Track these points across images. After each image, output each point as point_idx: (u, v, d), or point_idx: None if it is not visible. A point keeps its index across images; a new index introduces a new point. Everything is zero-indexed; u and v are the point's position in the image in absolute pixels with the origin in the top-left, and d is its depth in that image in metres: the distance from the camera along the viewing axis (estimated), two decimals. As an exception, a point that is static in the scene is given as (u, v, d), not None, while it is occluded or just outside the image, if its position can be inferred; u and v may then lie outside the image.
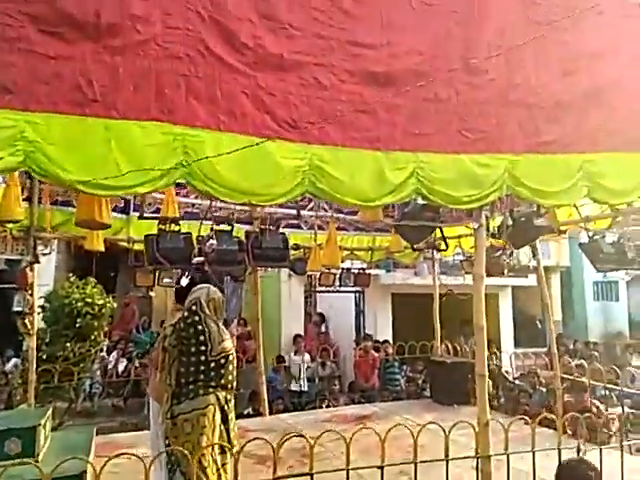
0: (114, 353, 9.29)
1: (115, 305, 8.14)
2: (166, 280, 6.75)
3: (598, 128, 3.75)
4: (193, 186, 2.73)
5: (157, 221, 4.01)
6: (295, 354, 9.44)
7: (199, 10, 2.77)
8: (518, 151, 3.61)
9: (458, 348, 8.43)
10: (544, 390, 7.68)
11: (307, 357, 9.46)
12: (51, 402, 6.64)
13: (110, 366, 8.98)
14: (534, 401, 7.62)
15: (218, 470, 3.40)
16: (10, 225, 5.13)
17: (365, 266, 8.72)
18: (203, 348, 3.37)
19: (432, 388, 8.25)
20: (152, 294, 9.63)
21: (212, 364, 3.39)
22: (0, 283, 8.61)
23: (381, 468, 3.15)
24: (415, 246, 5.30)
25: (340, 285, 8.15)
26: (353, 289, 10.68)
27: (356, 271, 8.21)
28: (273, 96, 2.91)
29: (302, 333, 10.12)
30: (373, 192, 3.14)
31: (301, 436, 3.42)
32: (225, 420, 3.50)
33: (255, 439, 3.40)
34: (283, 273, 9.96)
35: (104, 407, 8.50)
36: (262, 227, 3.95)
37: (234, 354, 3.56)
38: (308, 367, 9.43)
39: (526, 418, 3.98)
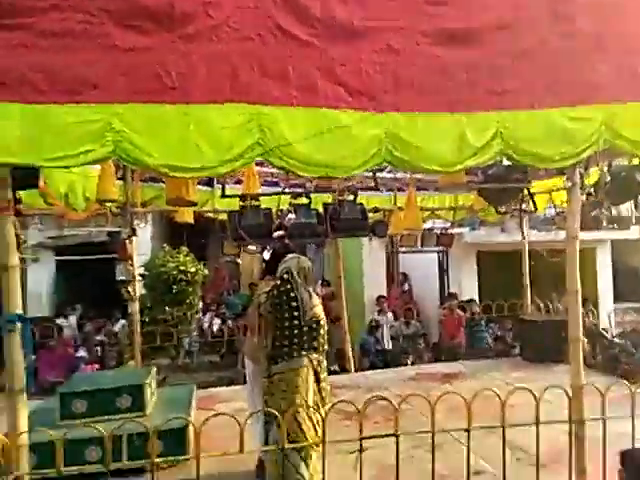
0: (208, 314, 9.94)
1: (206, 272, 8.63)
2: (251, 248, 7.02)
3: None
4: (270, 162, 2.77)
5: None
6: (378, 314, 9.55)
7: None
8: (616, 100, 3.28)
9: (550, 306, 8.10)
10: (649, 349, 7.22)
11: (390, 316, 9.53)
12: (154, 359, 7.27)
13: (205, 326, 9.62)
14: (637, 360, 7.20)
15: (314, 426, 3.61)
16: (108, 204, 5.53)
17: (448, 225, 8.50)
18: (296, 314, 3.61)
19: (522, 347, 8.05)
20: (239, 261, 10.07)
21: (305, 328, 3.64)
22: (104, 253, 9.35)
23: (467, 431, 3.16)
24: (500, 209, 5.05)
25: (422, 245, 8.02)
26: (436, 249, 10.51)
27: (438, 231, 8.02)
28: (344, 66, 2.83)
29: (384, 294, 10.17)
30: (454, 156, 3.01)
31: (385, 399, 3.50)
32: (318, 380, 3.74)
33: (341, 401, 3.55)
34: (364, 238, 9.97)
35: (202, 363, 9.16)
36: (340, 199, 3.95)
37: (324, 319, 3.79)
38: (392, 326, 9.51)
39: (624, 380, 3.79)
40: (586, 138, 3.21)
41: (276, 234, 3.97)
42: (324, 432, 3.18)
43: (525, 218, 8.07)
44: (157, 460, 3.05)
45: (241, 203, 3.99)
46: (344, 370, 7.56)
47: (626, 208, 6.74)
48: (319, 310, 3.74)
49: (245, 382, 4.46)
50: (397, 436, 3.17)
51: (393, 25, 2.89)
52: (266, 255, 3.74)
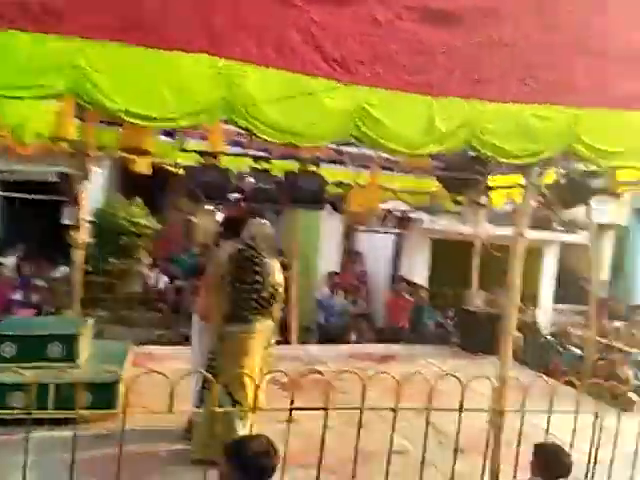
0: (155, 270, 9.70)
1: (159, 226, 8.41)
2: (208, 207, 6.89)
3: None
4: (234, 122, 2.68)
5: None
6: (330, 290, 9.62)
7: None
8: (584, 104, 3.34)
9: (493, 299, 8.39)
10: (576, 350, 7.61)
11: (341, 294, 9.62)
12: (93, 309, 7.07)
13: (151, 282, 9.39)
14: (564, 359, 7.59)
15: (255, 391, 3.67)
16: (62, 143, 5.25)
17: (408, 209, 8.57)
18: (258, 278, 3.65)
19: (461, 336, 8.32)
20: (194, 219, 9.87)
21: (264, 293, 3.69)
22: (53, 194, 8.92)
23: (394, 410, 3.24)
24: (457, 199, 5.15)
25: (382, 225, 8.08)
26: (394, 230, 10.62)
27: (399, 214, 8.09)
28: (324, 31, 2.74)
29: (337, 270, 10.24)
30: (420, 139, 3.01)
31: (319, 373, 3.54)
32: (266, 347, 3.82)
33: (279, 371, 3.57)
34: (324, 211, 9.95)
35: (142, 319, 8.98)
36: (300, 169, 3.90)
37: (282, 286, 3.79)
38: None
39: (544, 377, 3.98)
40: (550, 138, 3.27)
41: (233, 196, 3.92)
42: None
43: (483, 211, 8.24)
44: (84, 412, 2.96)
45: (201, 160, 3.87)
46: (286, 342, 7.60)
47: (582, 213, 6.96)
48: (280, 278, 3.80)
49: (184, 343, 4.43)
50: (326, 410, 3.20)
51: (377, -5, 2.81)
52: (219, 217, 3.67)
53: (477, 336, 7.75)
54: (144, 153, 4.13)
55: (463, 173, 3.81)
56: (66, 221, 6.14)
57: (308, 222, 8.99)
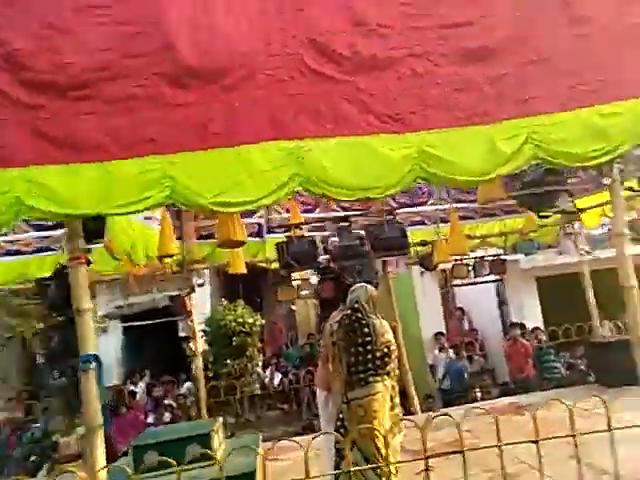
0: (269, 369, 9.98)
1: (263, 322, 8.80)
2: (304, 292, 7.18)
3: None
4: (310, 191, 2.95)
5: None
6: (440, 351, 9.31)
7: (295, 34, 3.02)
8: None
9: (621, 325, 7.69)
10: None
11: (451, 353, 9.26)
12: (220, 415, 7.35)
13: (267, 380, 9.65)
14: None
15: (386, 447, 3.62)
16: (167, 260, 5.87)
17: (500, 252, 8.36)
18: (368, 339, 3.73)
19: (595, 371, 7.60)
20: (294, 307, 10.20)
21: (377, 353, 3.73)
22: (166, 316, 9.73)
23: (536, 442, 3.05)
24: (542, 214, 5.02)
25: (475, 275, 7.90)
26: (492, 279, 10.27)
27: (490, 258, 7.90)
28: (372, 96, 3.04)
29: (443, 330, 9.95)
30: (486, 165, 3.10)
31: (448, 415, 3.44)
32: (392, 407, 3.78)
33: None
34: (415, 272, 9.92)
35: (267, 417, 9.13)
36: (379, 219, 4.08)
37: (394, 344, 3.89)
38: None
39: None
40: (620, 133, 3.23)
41: (321, 258, 4.11)
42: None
43: (581, 236, 7.84)
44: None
45: (287, 234, 4.18)
46: (409, 412, 7.34)
47: None
48: (390, 336, 3.84)
49: (307, 432, 4.52)
50: (462, 452, 3.09)
51: (414, 52, 3.10)
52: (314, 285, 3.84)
53: (614, 367, 7.04)
54: (238, 244, 4.52)
55: (538, 188, 3.79)
56: (183, 334, 6.65)
57: (401, 288, 8.98)
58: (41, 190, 2.66)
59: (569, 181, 4.08)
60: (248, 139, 2.91)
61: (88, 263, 2.97)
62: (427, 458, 3.12)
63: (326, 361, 4.06)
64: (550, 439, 3.38)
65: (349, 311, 3.83)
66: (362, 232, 4.14)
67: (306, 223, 4.60)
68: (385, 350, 3.78)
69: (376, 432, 3.50)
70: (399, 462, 3.25)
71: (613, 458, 3.10)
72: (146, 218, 5.06)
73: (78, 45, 2.73)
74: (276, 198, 2.95)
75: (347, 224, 4.19)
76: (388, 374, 3.81)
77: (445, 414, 3.27)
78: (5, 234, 5.91)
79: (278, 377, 9.85)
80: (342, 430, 3.62)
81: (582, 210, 6.60)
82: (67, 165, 2.70)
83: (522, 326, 9.27)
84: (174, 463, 3.08)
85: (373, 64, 3.08)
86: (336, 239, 3.95)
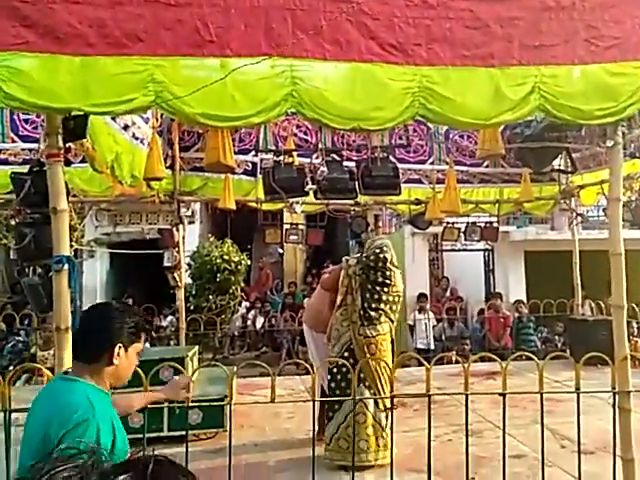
0: (252, 311, 10.09)
1: (249, 262, 8.79)
2: (292, 237, 7.13)
3: None
4: (303, 114, 2.83)
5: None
6: (419, 312, 9.38)
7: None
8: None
9: (603, 306, 7.74)
10: None
11: (432, 315, 9.35)
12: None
13: (249, 322, 9.77)
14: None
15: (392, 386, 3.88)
16: (156, 187, 5.78)
17: (493, 220, 8.30)
18: (388, 282, 3.92)
19: (572, 348, 7.69)
20: (280, 250, 10.16)
21: (390, 298, 3.94)
22: (154, 249, 9.68)
23: (503, 395, 3.07)
24: (540, 171, 4.94)
25: (465, 239, 7.85)
26: (482, 247, 10.26)
27: (482, 224, 7.83)
28: (377, 20, 2.88)
29: (426, 292, 10.00)
30: (490, 109, 2.96)
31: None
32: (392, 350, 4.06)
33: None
34: (406, 232, 9.89)
35: (244, 358, 9.27)
36: (372, 156, 3.98)
37: (402, 297, 4.09)
38: (434, 326, 9.33)
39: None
40: (629, 94, 3.10)
41: (308, 187, 4.05)
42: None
43: (576, 216, 7.78)
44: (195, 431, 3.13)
45: (275, 159, 4.10)
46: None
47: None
48: (401, 290, 4.03)
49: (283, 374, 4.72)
50: (429, 397, 3.12)
51: (427, -22, 2.91)
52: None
53: (590, 346, 7.10)
54: (227, 169, 4.42)
55: (539, 143, 3.67)
56: (167, 263, 6.63)
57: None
58: (20, 78, 2.53)
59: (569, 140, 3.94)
60: (242, 51, 2.76)
61: (67, 163, 2.87)
62: (392, 397, 3.19)
63: (332, 286, 4.13)
64: (517, 394, 3.42)
65: (377, 250, 3.93)
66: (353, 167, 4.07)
67: (296, 150, 4.45)
68: (396, 299, 3.99)
69: (384, 368, 3.72)
70: (400, 395, 3.84)
71: (576, 422, 3.14)
72: (135, 138, 4.92)
73: None
74: (266, 117, 2.83)
75: (338, 158, 4.10)
76: (393, 322, 4.03)
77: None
78: (-8, 142, 5.81)
79: (260, 321, 9.96)
80: (351, 360, 3.72)
81: (570, 155, 6.39)
82: (48, 55, 2.55)
83: (501, 297, 9.33)
84: (145, 382, 3.08)
85: (382, -13, 2.90)
86: (325, 170, 3.88)
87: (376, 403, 3.86)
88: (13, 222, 7.92)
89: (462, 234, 7.68)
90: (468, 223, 7.69)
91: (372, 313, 3.88)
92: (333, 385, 3.94)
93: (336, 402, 3.82)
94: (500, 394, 3.13)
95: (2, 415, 2.87)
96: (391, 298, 3.95)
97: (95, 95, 2.59)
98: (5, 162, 5.84)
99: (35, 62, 2.57)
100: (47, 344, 6.85)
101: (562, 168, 5.18)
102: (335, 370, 3.92)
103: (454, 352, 8.33)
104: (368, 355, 3.78)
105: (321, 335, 4.17)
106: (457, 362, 8.15)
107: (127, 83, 2.63)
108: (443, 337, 9.21)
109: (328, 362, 3.89)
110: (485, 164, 7.34)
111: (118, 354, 1.68)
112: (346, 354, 3.86)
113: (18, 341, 8.20)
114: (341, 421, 3.81)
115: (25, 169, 3.84)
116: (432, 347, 9.07)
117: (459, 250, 9.91)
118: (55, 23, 2.57)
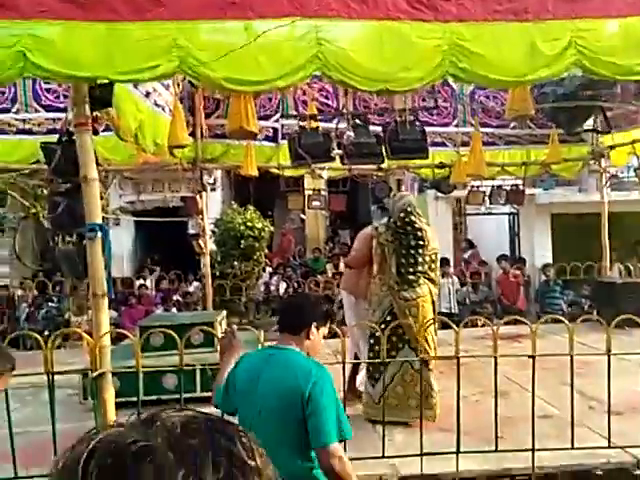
0: (275, 277, 10.18)
1: (272, 229, 8.82)
2: (315, 203, 7.11)
3: None
4: (329, 77, 2.77)
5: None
6: (442, 277, 9.34)
7: None
8: None
9: (632, 269, 7.61)
10: None
11: (456, 280, 9.30)
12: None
13: (272, 287, 9.87)
14: None
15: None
16: (178, 154, 5.77)
17: (519, 183, 8.12)
18: (421, 243, 3.79)
19: (599, 311, 7.62)
20: (303, 216, 10.14)
21: (427, 258, 3.83)
22: (177, 217, 9.80)
23: (532, 357, 3.07)
24: (572, 131, 4.76)
25: (491, 203, 7.72)
26: (507, 211, 10.08)
27: (508, 187, 7.67)
28: (405, -25, 2.77)
29: (450, 258, 9.91)
30: (524, 66, 2.86)
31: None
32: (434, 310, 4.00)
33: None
34: (429, 197, 9.76)
35: (269, 324, 9.44)
36: (399, 119, 3.90)
37: (439, 253, 3.99)
38: (458, 290, 9.29)
39: None
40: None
41: (335, 152, 3.99)
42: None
43: (609, 177, 7.55)
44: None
45: (300, 124, 4.04)
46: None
47: None
48: (436, 245, 3.90)
49: None
50: (458, 358, 3.14)
51: None
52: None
53: (618, 309, 7.04)
54: (250, 135, 4.38)
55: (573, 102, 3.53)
56: (192, 231, 6.70)
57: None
58: (46, 47, 2.52)
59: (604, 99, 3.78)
60: (265, 12, 2.69)
61: (94, 132, 2.87)
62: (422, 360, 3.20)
63: (360, 264, 4.08)
64: (548, 356, 3.41)
65: (402, 214, 3.80)
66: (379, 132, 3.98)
67: (320, 114, 4.38)
68: (433, 257, 3.88)
69: (429, 330, 3.71)
70: (439, 357, 3.73)
71: (607, 383, 3.14)
72: (157, 105, 4.89)
73: None
74: (291, 81, 2.78)
75: (364, 122, 4.01)
76: (433, 282, 3.92)
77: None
78: (17, 111, 5.85)
79: (283, 286, 10.06)
80: (393, 324, 3.69)
81: (605, 114, 6.14)
82: (72, 22, 2.53)
83: (506, 258, 9.26)
84: (179, 343, 3.16)
85: (410, -58, 2.77)
86: (352, 135, 3.80)
87: (425, 363, 3.80)
88: (40, 192, 8.09)
89: (487, 198, 7.54)
90: (493, 186, 7.54)
91: (410, 277, 3.79)
92: (377, 348, 3.93)
93: (380, 364, 3.81)
94: (529, 356, 3.13)
95: (46, 377, 2.98)
96: (427, 258, 3.85)
97: (120, 63, 2.58)
98: (29, 132, 5.88)
99: (59, 30, 2.56)
100: (81, 310, 7.05)
101: (595, 128, 4.96)
102: (377, 334, 3.91)
103: (481, 316, 8.36)
104: (410, 318, 3.73)
105: (360, 301, 4.15)
106: (483, 325, 8.24)
107: (151, 49, 2.61)
108: (467, 301, 9.18)
109: (370, 327, 3.85)
110: (512, 125, 7.13)
111: (313, 332, 2.06)
112: (388, 318, 3.82)
113: (51, 307, 8.48)
114: (388, 382, 3.81)
115: (50, 139, 3.87)
116: (455, 311, 9.06)
117: (484, 214, 9.75)
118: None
